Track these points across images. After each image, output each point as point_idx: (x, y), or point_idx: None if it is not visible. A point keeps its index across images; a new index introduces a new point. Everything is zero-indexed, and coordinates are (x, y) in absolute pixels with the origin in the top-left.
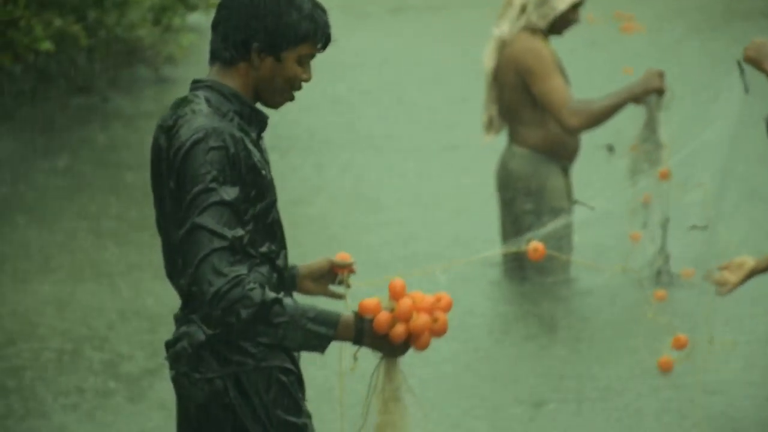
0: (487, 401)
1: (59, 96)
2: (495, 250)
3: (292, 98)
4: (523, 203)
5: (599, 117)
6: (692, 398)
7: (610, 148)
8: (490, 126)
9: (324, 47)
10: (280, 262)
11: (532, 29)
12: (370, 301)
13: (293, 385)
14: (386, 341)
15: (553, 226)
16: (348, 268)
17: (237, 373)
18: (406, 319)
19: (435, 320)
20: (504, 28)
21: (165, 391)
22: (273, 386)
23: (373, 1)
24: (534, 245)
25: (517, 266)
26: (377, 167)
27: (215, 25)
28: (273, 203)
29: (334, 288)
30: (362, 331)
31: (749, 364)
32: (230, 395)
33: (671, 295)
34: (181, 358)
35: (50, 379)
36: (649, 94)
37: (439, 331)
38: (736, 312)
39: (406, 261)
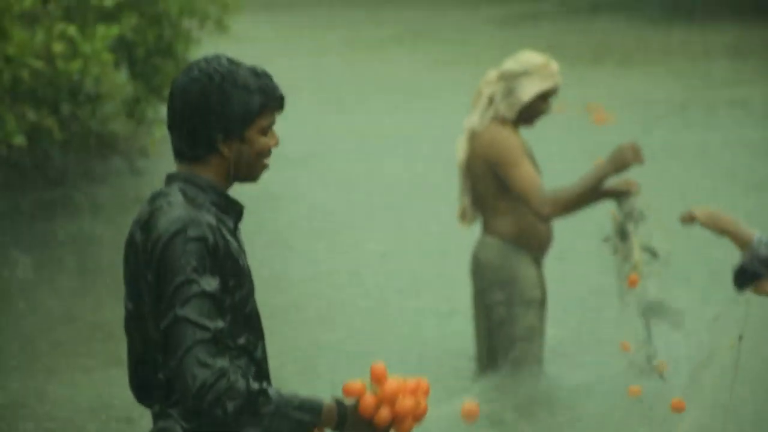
0: None
1: (32, 188)
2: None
3: (267, 166)
4: (494, 294)
5: (572, 202)
6: None
7: (607, 239)
8: (463, 216)
9: (281, 109)
10: (258, 353)
11: (501, 120)
12: (355, 384)
13: None
14: (369, 426)
15: (525, 318)
16: None
17: None
18: (392, 402)
19: (418, 404)
20: (474, 120)
21: None
22: None
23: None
24: (468, 407)
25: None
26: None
27: (172, 127)
28: (250, 292)
29: None
30: (344, 416)
31: None
32: None
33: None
34: None
35: None
36: (620, 170)
37: (420, 416)
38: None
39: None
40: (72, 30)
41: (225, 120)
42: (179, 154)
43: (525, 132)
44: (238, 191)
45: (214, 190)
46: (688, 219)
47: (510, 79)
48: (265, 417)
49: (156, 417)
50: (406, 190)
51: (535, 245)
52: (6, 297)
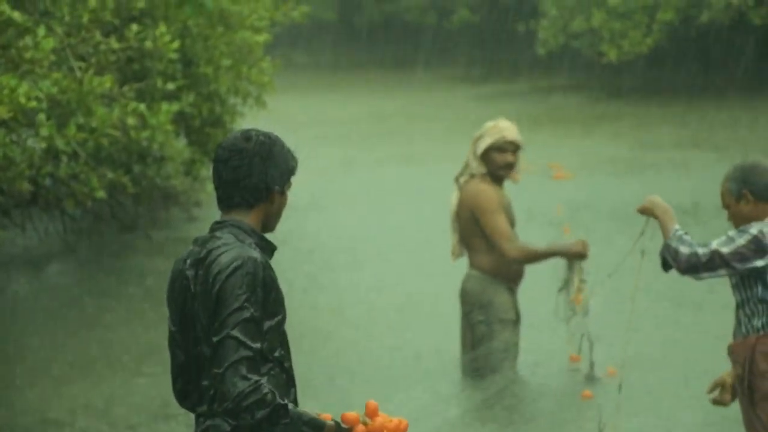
0: None
1: (110, 233)
2: None
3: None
4: (476, 315)
5: (533, 257)
6: None
7: (560, 289)
8: (453, 252)
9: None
10: (287, 363)
11: (481, 176)
12: (351, 414)
13: None
14: None
15: (502, 337)
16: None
17: None
18: None
19: None
20: (462, 178)
21: None
22: None
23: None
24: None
25: (472, 368)
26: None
27: (229, 181)
28: (285, 316)
29: None
30: None
31: None
32: None
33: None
34: None
35: None
36: (573, 256)
37: None
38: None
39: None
40: (142, 107)
41: (282, 174)
42: (230, 205)
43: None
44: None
45: (256, 233)
46: (640, 207)
47: (474, 143)
48: (281, 426)
49: (203, 417)
50: (404, 236)
51: (508, 277)
52: (89, 319)
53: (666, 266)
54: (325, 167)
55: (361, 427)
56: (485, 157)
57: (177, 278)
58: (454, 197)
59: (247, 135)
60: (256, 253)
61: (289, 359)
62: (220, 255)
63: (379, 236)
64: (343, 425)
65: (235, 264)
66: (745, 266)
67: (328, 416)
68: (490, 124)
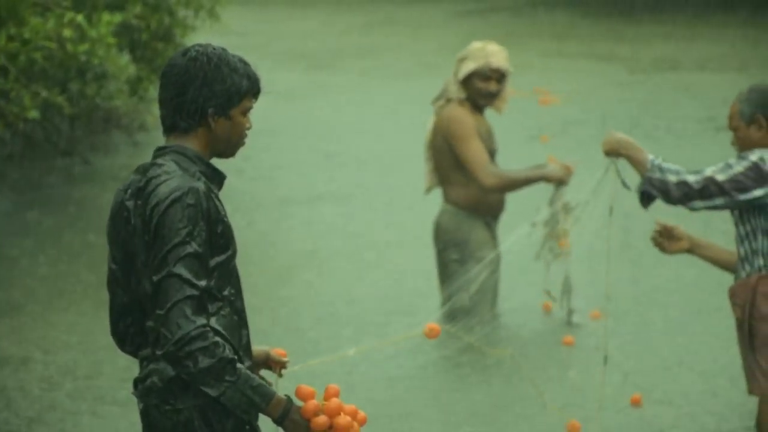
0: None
1: (44, 158)
2: (401, 335)
3: (243, 145)
4: (450, 253)
5: (511, 184)
6: None
7: (533, 224)
8: (427, 183)
9: (257, 97)
10: (238, 303)
11: (459, 101)
12: (307, 389)
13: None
14: (304, 428)
15: (478, 275)
16: (281, 364)
17: (202, 405)
18: (332, 415)
19: (351, 426)
20: (438, 103)
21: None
22: (233, 415)
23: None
24: (429, 326)
25: (449, 310)
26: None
27: (165, 100)
28: (235, 252)
29: (263, 374)
30: (287, 412)
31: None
32: (196, 424)
33: (582, 339)
34: (152, 392)
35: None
36: (555, 182)
37: None
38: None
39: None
40: (80, 18)
41: (218, 96)
42: (169, 128)
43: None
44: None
45: (201, 160)
46: (603, 150)
47: (456, 65)
48: (225, 384)
49: (146, 360)
50: (376, 167)
51: (485, 211)
52: (20, 254)
53: (645, 201)
54: (290, 89)
55: (314, 403)
56: (467, 82)
57: (117, 210)
58: (429, 123)
59: (185, 50)
60: (199, 183)
61: (241, 299)
62: (159, 185)
63: (347, 167)
64: (295, 400)
65: (174, 195)
66: (745, 196)
67: (309, 389)
68: (476, 45)
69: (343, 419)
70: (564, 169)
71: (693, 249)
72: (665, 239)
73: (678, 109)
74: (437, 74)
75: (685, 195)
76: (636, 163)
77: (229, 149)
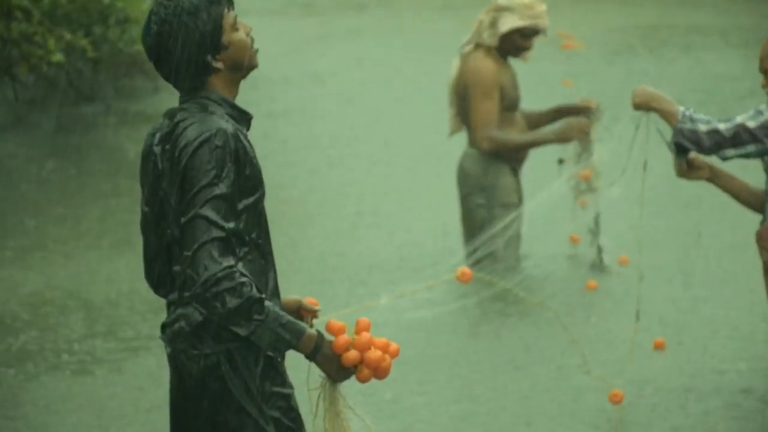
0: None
1: (67, 104)
2: (431, 282)
3: (256, 50)
4: (476, 198)
5: (511, 148)
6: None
7: (561, 161)
8: (451, 127)
9: (232, 4)
10: (267, 247)
11: (487, 48)
12: (337, 323)
13: (278, 360)
14: (336, 362)
15: (502, 222)
16: (313, 313)
17: (230, 349)
18: (362, 348)
19: (383, 359)
20: (467, 47)
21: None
22: (261, 360)
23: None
24: (461, 270)
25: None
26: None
27: (166, 74)
28: (263, 194)
29: None
30: (319, 347)
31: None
32: (223, 369)
33: (607, 283)
34: (179, 336)
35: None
36: (563, 143)
37: (383, 371)
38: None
39: (388, 265)
40: None
41: (205, 42)
42: (181, 87)
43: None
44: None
45: (227, 102)
46: (633, 104)
47: (496, 12)
48: (254, 323)
49: (174, 305)
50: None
51: (511, 158)
52: (46, 199)
53: (679, 154)
54: (296, 41)
55: (345, 337)
56: (505, 35)
57: (146, 154)
58: (454, 65)
59: (148, 28)
60: (227, 125)
61: (269, 242)
62: (187, 128)
63: (362, 117)
64: (326, 335)
65: (203, 137)
66: None
67: (339, 324)
68: None
69: (373, 353)
70: (574, 130)
71: (713, 178)
72: (688, 168)
73: (699, 65)
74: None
75: (716, 143)
76: (667, 115)
77: (248, 66)
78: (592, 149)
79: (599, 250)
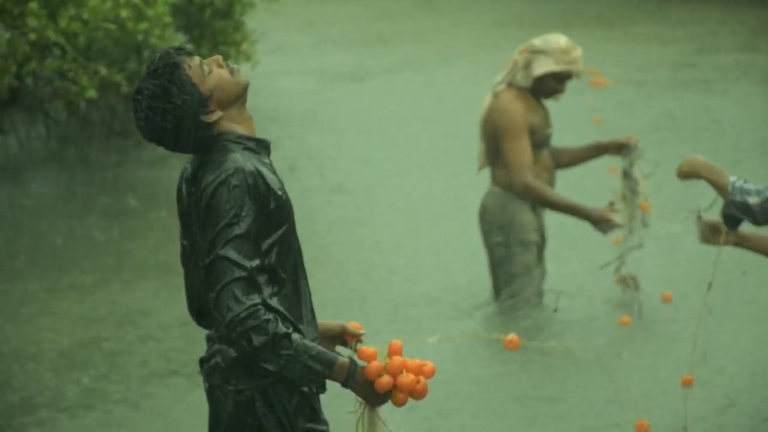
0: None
1: (99, 139)
2: (482, 335)
3: (237, 68)
4: (494, 236)
5: (542, 201)
6: None
7: (611, 203)
8: (479, 161)
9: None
10: (300, 276)
11: (519, 88)
12: (369, 349)
13: (312, 396)
14: (370, 388)
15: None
16: (357, 337)
17: (264, 386)
18: (395, 373)
19: (417, 382)
20: (497, 82)
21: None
22: (295, 397)
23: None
24: (510, 337)
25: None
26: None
27: (168, 147)
28: (292, 225)
29: (340, 349)
30: (353, 374)
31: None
32: (257, 405)
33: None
34: (215, 372)
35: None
36: (593, 223)
37: (419, 393)
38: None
39: (414, 302)
40: None
41: (191, 110)
42: (194, 149)
43: None
44: None
45: (243, 137)
46: (680, 173)
47: (531, 53)
48: (283, 358)
49: (211, 341)
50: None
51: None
52: (82, 235)
53: (732, 223)
54: (332, 76)
55: (377, 363)
56: (539, 77)
57: (179, 191)
58: (485, 102)
59: (135, 110)
60: (245, 162)
61: (303, 271)
62: (207, 170)
63: (394, 154)
64: (359, 362)
65: (220, 178)
66: None
67: (371, 350)
68: (559, 42)
69: (406, 377)
70: (604, 217)
71: (741, 241)
72: (711, 234)
73: (729, 100)
74: (482, 57)
75: None
76: (717, 188)
77: (236, 91)
78: (638, 188)
79: (639, 305)
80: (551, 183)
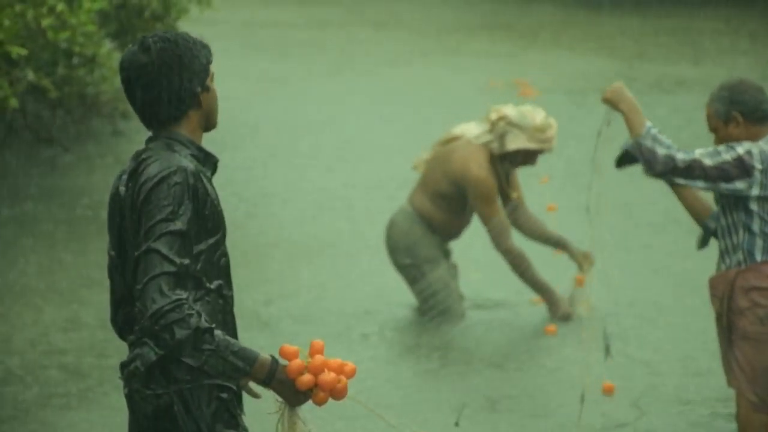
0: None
1: (24, 147)
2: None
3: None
4: (402, 257)
5: (518, 271)
6: None
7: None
8: (417, 163)
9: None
10: (226, 290)
11: (490, 151)
12: (290, 348)
13: (231, 402)
14: (291, 388)
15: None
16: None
17: (182, 390)
18: (317, 372)
19: (338, 381)
20: (472, 130)
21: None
22: (213, 402)
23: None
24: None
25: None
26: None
27: (148, 100)
28: (224, 236)
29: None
30: (273, 373)
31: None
32: (176, 409)
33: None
34: (135, 376)
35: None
36: (558, 316)
37: (339, 393)
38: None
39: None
40: (60, 6)
41: (198, 73)
42: (156, 122)
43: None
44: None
45: (194, 144)
46: (604, 98)
47: (507, 125)
48: (205, 353)
49: (132, 345)
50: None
51: (442, 233)
52: (4, 246)
53: (622, 163)
54: (258, 82)
55: (298, 362)
56: (511, 151)
57: (112, 198)
58: (451, 136)
59: (144, 46)
60: (188, 163)
61: (230, 286)
62: (148, 165)
63: (323, 158)
64: (280, 360)
65: (162, 173)
66: (726, 186)
67: (293, 348)
68: (537, 119)
69: (328, 376)
70: (568, 311)
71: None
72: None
73: (658, 109)
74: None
75: (669, 169)
76: (631, 124)
77: (214, 119)
78: (582, 294)
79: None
80: (458, 233)
